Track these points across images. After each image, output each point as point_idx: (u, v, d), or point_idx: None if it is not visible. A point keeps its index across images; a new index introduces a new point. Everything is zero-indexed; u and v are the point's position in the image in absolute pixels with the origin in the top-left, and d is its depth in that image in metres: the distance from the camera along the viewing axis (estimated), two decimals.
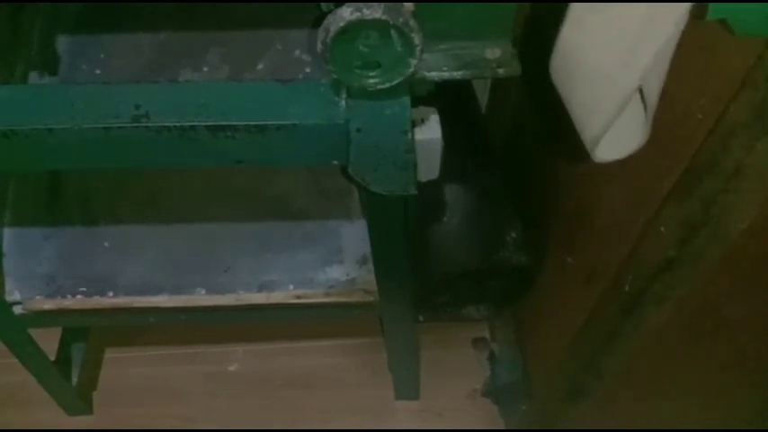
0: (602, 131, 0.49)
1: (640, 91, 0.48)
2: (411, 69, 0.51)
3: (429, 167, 0.65)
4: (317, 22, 0.49)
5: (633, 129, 0.51)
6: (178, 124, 0.56)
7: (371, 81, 0.53)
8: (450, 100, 0.77)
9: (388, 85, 0.53)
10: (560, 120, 0.54)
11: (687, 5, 0.41)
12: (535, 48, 0.56)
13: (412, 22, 0.48)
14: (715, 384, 0.71)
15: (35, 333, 1.05)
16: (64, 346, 1.25)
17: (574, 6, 0.44)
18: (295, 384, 1.37)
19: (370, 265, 0.96)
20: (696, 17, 0.43)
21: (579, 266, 0.89)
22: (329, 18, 0.48)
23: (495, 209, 1.00)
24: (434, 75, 0.56)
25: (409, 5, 0.48)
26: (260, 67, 0.67)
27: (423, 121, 0.62)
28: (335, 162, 0.61)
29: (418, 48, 0.49)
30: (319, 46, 0.49)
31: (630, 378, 0.81)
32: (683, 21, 0.42)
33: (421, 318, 1.13)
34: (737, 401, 0.70)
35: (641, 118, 0.51)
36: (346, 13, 0.47)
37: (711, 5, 0.41)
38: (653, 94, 0.48)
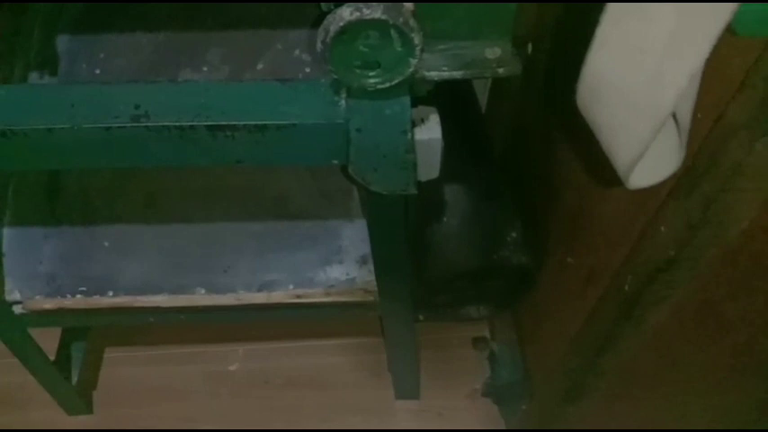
0: (636, 158, 0.47)
1: (673, 114, 0.47)
2: (411, 69, 0.51)
3: (429, 167, 0.65)
4: (317, 22, 0.49)
5: (667, 152, 0.50)
6: (178, 124, 0.56)
7: (371, 81, 0.53)
8: (450, 100, 0.77)
9: (388, 84, 0.53)
10: (560, 119, 0.54)
11: (722, 26, 0.39)
12: (534, 47, 0.56)
13: (412, 22, 0.48)
14: (715, 384, 0.71)
15: (35, 333, 1.05)
16: (64, 345, 1.25)
17: (601, 30, 0.43)
18: (295, 384, 1.37)
19: (370, 265, 0.96)
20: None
21: (579, 266, 0.89)
22: (329, 18, 0.48)
23: (495, 209, 1.00)
24: (434, 75, 0.56)
25: (409, 5, 0.48)
26: (260, 67, 0.67)
27: (423, 121, 0.62)
28: (335, 162, 0.61)
29: (418, 47, 0.49)
30: (319, 46, 0.49)
31: (630, 378, 0.81)
32: (714, 42, 0.40)
33: (421, 318, 1.13)
34: (737, 401, 0.70)
35: (675, 141, 0.49)
36: (346, 13, 0.47)
37: None
38: (686, 116, 0.47)
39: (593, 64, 0.44)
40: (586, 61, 0.45)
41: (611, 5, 0.42)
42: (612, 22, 0.42)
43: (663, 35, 0.40)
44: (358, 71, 0.52)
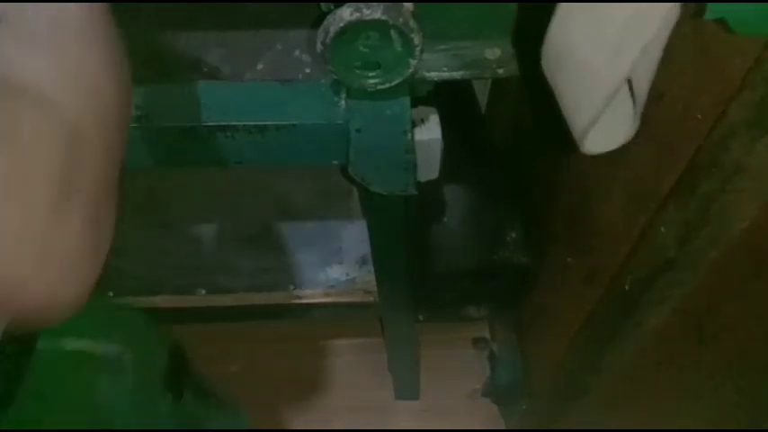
0: (590, 123, 0.49)
1: (630, 85, 0.48)
2: (411, 69, 0.51)
3: (429, 167, 0.65)
4: (317, 22, 0.49)
5: (622, 122, 0.52)
6: (178, 124, 0.56)
7: (371, 81, 0.53)
8: (450, 100, 0.77)
9: (388, 85, 0.53)
10: (560, 119, 0.54)
11: (672, 5, 0.41)
12: (534, 46, 0.56)
13: (412, 22, 0.48)
14: (714, 384, 0.71)
15: None
16: None
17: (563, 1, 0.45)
18: (295, 384, 1.37)
19: (370, 266, 0.96)
20: (695, 16, 0.43)
21: (579, 266, 0.89)
22: (329, 18, 0.48)
23: (495, 209, 1.00)
24: (434, 75, 0.56)
25: (409, 5, 0.48)
26: (260, 67, 0.67)
27: (423, 121, 0.62)
28: (335, 162, 0.61)
29: (418, 48, 0.49)
30: (319, 46, 0.49)
31: (630, 378, 0.81)
32: (672, 16, 0.42)
33: (421, 318, 1.13)
34: (737, 401, 0.70)
35: (630, 112, 0.51)
36: (346, 14, 0.47)
37: (710, 5, 0.41)
38: (642, 89, 0.49)
39: (556, 30, 0.46)
40: (550, 27, 0.46)
41: None
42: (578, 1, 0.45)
43: (625, 9, 0.43)
44: (358, 71, 0.52)
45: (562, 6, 0.45)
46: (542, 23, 0.49)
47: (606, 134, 0.52)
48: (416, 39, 0.48)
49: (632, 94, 0.50)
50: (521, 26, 0.55)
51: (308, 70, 0.57)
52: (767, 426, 0.64)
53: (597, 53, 0.45)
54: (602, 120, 0.49)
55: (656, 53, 0.46)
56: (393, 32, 0.48)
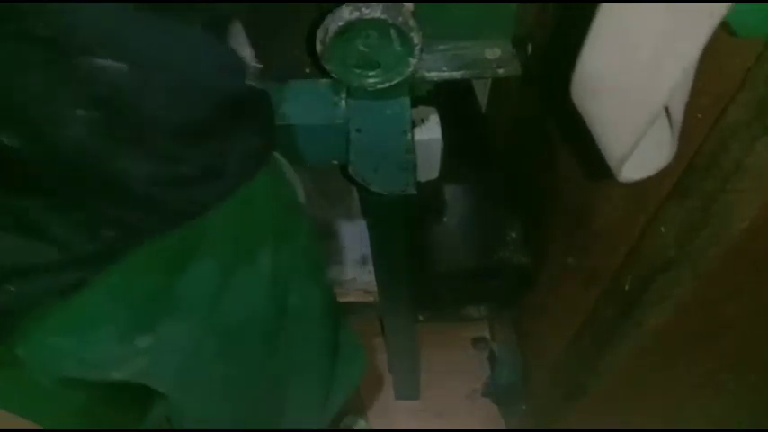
0: (628, 151, 0.47)
1: (665, 108, 0.47)
2: (411, 69, 0.51)
3: (429, 167, 0.65)
4: (317, 22, 0.49)
5: (659, 147, 0.50)
6: None
7: (371, 81, 0.53)
8: (450, 100, 0.77)
9: (387, 85, 0.53)
10: (560, 119, 0.54)
11: (716, 22, 0.39)
12: (537, 47, 0.56)
13: (411, 22, 0.48)
14: (715, 384, 0.71)
15: None
16: None
17: (596, 24, 0.43)
18: None
19: (370, 266, 0.96)
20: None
21: (579, 266, 0.89)
22: (329, 18, 0.48)
23: (495, 209, 1.00)
24: (434, 75, 0.56)
25: (409, 5, 0.48)
26: (260, 67, 0.67)
27: (423, 121, 0.62)
28: (335, 162, 0.61)
29: (418, 47, 0.49)
30: (319, 46, 0.49)
31: (630, 378, 0.81)
32: (709, 37, 0.40)
33: (421, 318, 1.13)
34: (737, 401, 0.70)
35: (667, 136, 0.49)
36: (345, 13, 0.47)
37: None
38: (678, 111, 0.47)
39: (587, 58, 0.45)
40: (581, 55, 0.45)
41: (605, 4, 0.43)
42: (607, 18, 0.43)
43: (656, 30, 0.41)
44: (358, 71, 0.52)
45: (593, 33, 0.43)
46: (542, 22, 0.48)
47: (644, 160, 0.50)
48: (416, 38, 0.48)
49: (669, 117, 0.48)
50: (521, 26, 0.55)
51: (307, 70, 0.57)
52: (767, 426, 0.64)
53: (632, 79, 0.43)
54: (640, 146, 0.47)
55: (691, 75, 0.44)
56: (392, 32, 0.48)
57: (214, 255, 0.52)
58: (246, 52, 0.53)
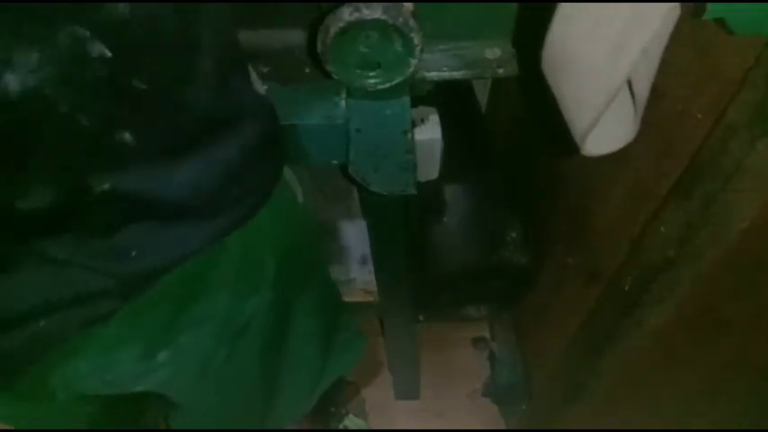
0: (590, 125, 0.49)
1: (630, 87, 0.48)
2: (411, 69, 0.51)
3: (429, 167, 0.65)
4: (317, 22, 0.49)
5: (623, 124, 0.52)
6: None
7: (371, 81, 0.53)
8: (450, 100, 0.77)
9: (388, 85, 0.53)
10: (560, 120, 0.54)
11: (671, 6, 0.41)
12: (534, 47, 0.56)
13: (412, 22, 0.48)
14: (715, 384, 0.71)
15: None
16: None
17: (563, 2, 0.45)
18: None
19: (370, 266, 0.96)
20: (695, 16, 0.43)
21: (579, 266, 0.89)
22: (329, 18, 0.48)
23: (495, 209, 1.00)
24: (434, 75, 0.56)
25: (409, 5, 0.48)
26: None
27: (423, 121, 0.62)
28: (335, 162, 0.61)
29: (418, 48, 0.49)
30: (319, 46, 0.49)
31: (630, 378, 0.81)
32: (671, 17, 0.42)
33: (421, 318, 1.13)
34: (737, 401, 0.70)
35: (630, 113, 0.51)
36: (346, 14, 0.47)
37: (709, 5, 0.41)
38: (643, 90, 0.48)
39: (555, 33, 0.46)
40: (550, 30, 0.46)
41: None
42: (577, 2, 0.44)
43: (623, 9, 0.42)
44: (358, 71, 0.52)
45: (561, 8, 0.45)
46: (542, 24, 0.49)
47: (607, 136, 0.52)
48: (416, 38, 0.48)
49: (633, 96, 0.50)
50: (521, 26, 0.55)
51: (307, 70, 0.57)
52: (767, 426, 0.64)
53: (596, 54, 0.45)
54: (603, 121, 0.49)
55: (657, 54, 0.46)
56: (393, 32, 0.48)
57: (224, 278, 0.54)
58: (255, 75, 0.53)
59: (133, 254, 0.43)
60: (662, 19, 0.42)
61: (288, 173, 0.63)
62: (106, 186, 0.39)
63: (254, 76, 0.50)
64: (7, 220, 0.38)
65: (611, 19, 0.43)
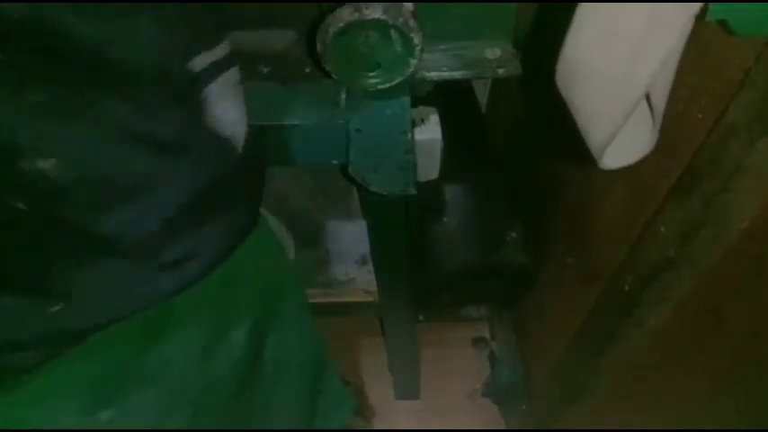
0: (608, 138, 0.48)
1: (647, 97, 0.48)
2: (411, 69, 0.51)
3: (429, 167, 0.65)
4: (317, 22, 0.49)
5: (640, 135, 0.51)
6: None
7: (371, 81, 0.53)
8: (450, 100, 0.77)
9: (388, 85, 0.53)
10: (560, 120, 0.54)
11: (693, 13, 0.40)
12: (537, 48, 0.56)
13: (412, 22, 0.48)
14: (714, 384, 0.71)
15: None
16: None
17: (578, 13, 0.44)
18: None
19: (370, 266, 0.96)
20: (696, 17, 0.43)
21: (579, 266, 0.89)
22: (329, 18, 0.48)
23: (495, 209, 1.00)
24: (434, 75, 0.56)
25: (409, 5, 0.48)
26: (260, 67, 0.67)
27: (423, 121, 0.62)
28: (335, 162, 0.61)
29: (418, 48, 0.49)
30: (319, 46, 0.49)
31: (630, 378, 0.81)
32: (688, 28, 0.41)
33: (421, 318, 1.13)
34: (737, 401, 0.70)
35: (648, 124, 0.50)
36: (346, 14, 0.47)
37: (711, 6, 0.41)
38: (660, 101, 0.47)
39: (570, 46, 0.46)
40: (564, 43, 0.46)
41: None
42: (590, 7, 0.43)
43: (639, 21, 0.42)
44: (358, 72, 0.52)
45: (576, 22, 0.44)
46: (542, 24, 0.49)
47: (625, 148, 0.51)
48: (416, 38, 0.48)
49: (650, 107, 0.49)
50: (520, 26, 0.55)
51: (307, 70, 0.57)
52: (767, 426, 0.64)
53: (614, 67, 0.44)
54: (621, 134, 0.47)
55: (674, 63, 0.45)
56: (393, 32, 0.48)
57: (187, 327, 0.50)
58: (235, 115, 0.48)
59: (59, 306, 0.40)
60: (681, 29, 0.41)
61: (278, 226, 0.59)
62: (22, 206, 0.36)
63: (224, 108, 0.46)
64: None
65: (626, 31, 0.42)
